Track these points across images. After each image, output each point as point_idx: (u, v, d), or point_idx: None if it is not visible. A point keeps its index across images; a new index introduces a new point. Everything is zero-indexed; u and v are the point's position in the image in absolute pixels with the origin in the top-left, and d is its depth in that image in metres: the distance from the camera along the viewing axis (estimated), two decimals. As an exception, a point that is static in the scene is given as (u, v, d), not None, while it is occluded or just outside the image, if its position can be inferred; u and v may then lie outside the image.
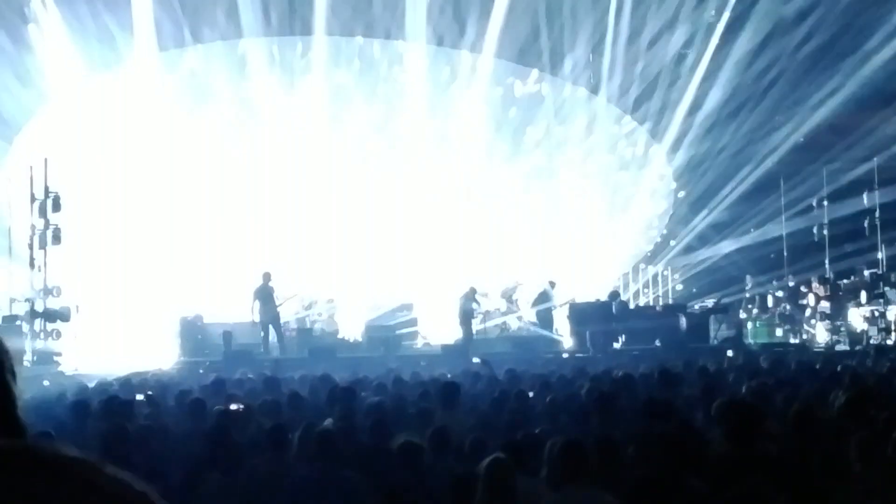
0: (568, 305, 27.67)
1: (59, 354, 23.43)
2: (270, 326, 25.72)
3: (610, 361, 21.21)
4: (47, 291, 23.94)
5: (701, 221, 32.69)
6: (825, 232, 29.69)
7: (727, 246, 32.15)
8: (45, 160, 24.38)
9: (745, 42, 31.06)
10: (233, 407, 10.89)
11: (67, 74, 29.59)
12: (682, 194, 33.88)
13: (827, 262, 29.59)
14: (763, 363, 18.06)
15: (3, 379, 1.81)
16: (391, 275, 30.73)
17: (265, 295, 25.74)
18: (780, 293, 29.85)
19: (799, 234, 30.93)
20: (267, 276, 25.91)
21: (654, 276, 33.57)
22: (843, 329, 27.09)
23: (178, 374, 20.98)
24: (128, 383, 16.00)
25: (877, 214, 28.06)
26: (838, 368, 15.86)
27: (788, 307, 28.94)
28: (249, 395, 13.26)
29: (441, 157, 32.59)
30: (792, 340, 27.56)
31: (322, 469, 7.64)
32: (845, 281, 28.63)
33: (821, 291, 28.12)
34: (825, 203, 30.02)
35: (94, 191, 29.47)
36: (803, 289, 29.07)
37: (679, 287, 33.22)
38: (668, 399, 10.67)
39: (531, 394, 12.48)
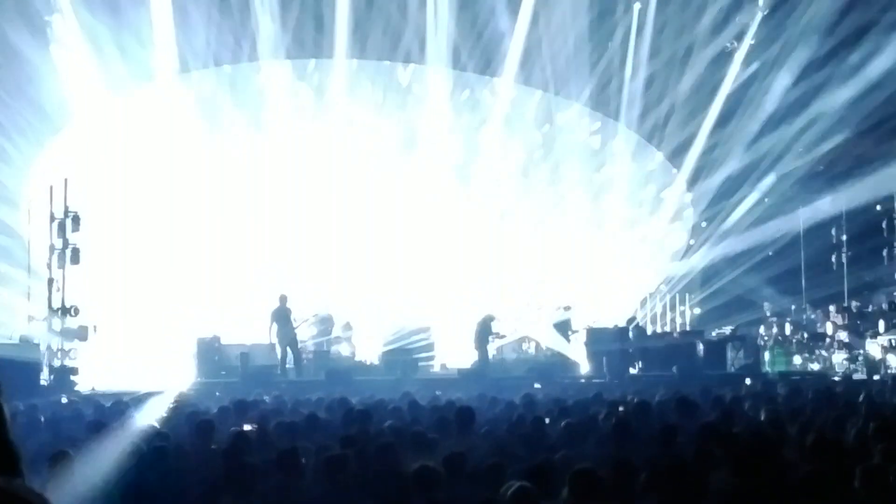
0: (585, 331, 27.61)
1: (76, 373, 23.47)
2: (288, 348, 25.71)
3: (626, 387, 21.17)
4: (65, 311, 24.00)
5: (719, 247, 32.55)
6: (843, 260, 29.59)
7: (745, 273, 31.98)
8: (66, 180, 24.50)
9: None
10: (247, 428, 10.90)
11: (88, 95, 29.72)
12: (704, 224, 33.77)
13: (845, 290, 29.47)
14: (780, 391, 17.99)
15: None
16: (409, 298, 30.72)
17: (282, 317, 25.71)
18: (797, 321, 29.71)
19: (817, 262, 30.80)
20: (284, 298, 25.87)
21: (672, 303, 33.43)
22: (860, 358, 26.94)
23: (194, 394, 20.96)
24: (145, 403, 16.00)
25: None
26: (856, 398, 15.77)
27: (806, 335, 28.79)
28: (265, 416, 13.25)
29: (460, 182, 32.61)
30: (810, 368, 27.42)
31: (334, 492, 7.63)
32: (864, 310, 28.49)
33: (839, 320, 27.99)
34: (844, 231, 29.94)
35: (113, 211, 29.59)
36: (821, 317, 28.96)
37: (696, 313, 33.07)
38: (683, 426, 10.63)
39: (548, 420, 12.45)
